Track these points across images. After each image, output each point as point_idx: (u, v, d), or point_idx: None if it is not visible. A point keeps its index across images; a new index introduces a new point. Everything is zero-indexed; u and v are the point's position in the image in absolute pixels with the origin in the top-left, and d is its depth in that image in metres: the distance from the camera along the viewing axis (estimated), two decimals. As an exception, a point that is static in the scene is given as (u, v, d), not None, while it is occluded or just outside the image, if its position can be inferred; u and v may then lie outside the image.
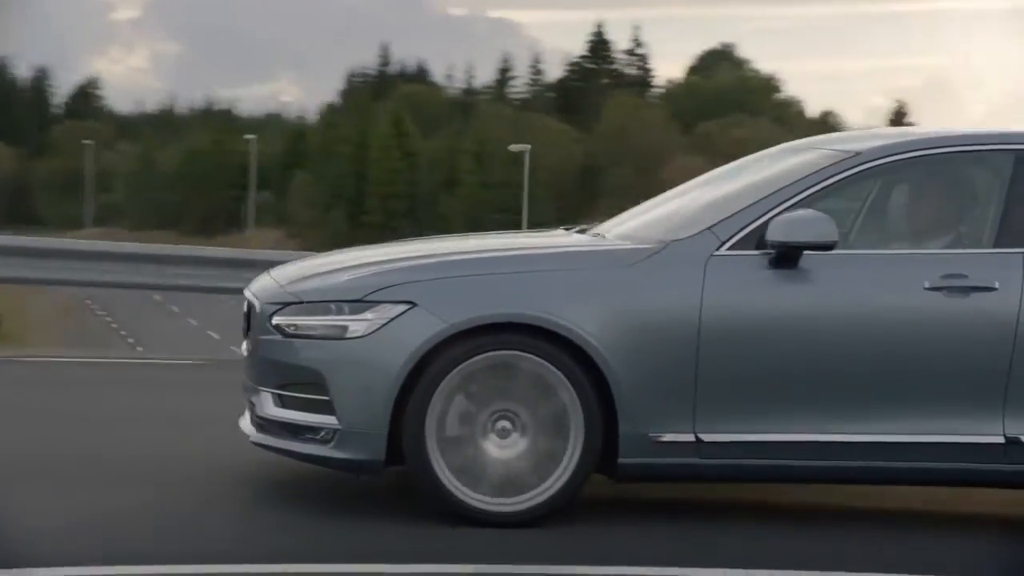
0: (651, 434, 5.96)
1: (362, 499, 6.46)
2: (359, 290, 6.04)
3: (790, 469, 6.14)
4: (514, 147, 56.08)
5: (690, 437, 5.99)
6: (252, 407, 6.46)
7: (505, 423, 5.97)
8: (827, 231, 5.98)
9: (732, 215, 6.20)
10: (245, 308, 6.65)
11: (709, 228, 6.17)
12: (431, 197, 76.22)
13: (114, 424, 8.26)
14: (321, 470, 6.35)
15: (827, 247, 6.01)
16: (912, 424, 6.06)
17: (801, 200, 6.17)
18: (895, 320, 6.09)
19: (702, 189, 7.17)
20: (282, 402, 6.16)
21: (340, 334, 5.98)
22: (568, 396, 5.93)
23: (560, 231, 7.45)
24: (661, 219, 6.88)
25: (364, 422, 5.91)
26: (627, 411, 5.92)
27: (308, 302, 6.13)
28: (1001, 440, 6.10)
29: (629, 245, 6.31)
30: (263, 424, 6.27)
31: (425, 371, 5.87)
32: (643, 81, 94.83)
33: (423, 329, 5.88)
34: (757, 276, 6.06)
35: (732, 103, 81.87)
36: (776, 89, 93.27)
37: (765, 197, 6.24)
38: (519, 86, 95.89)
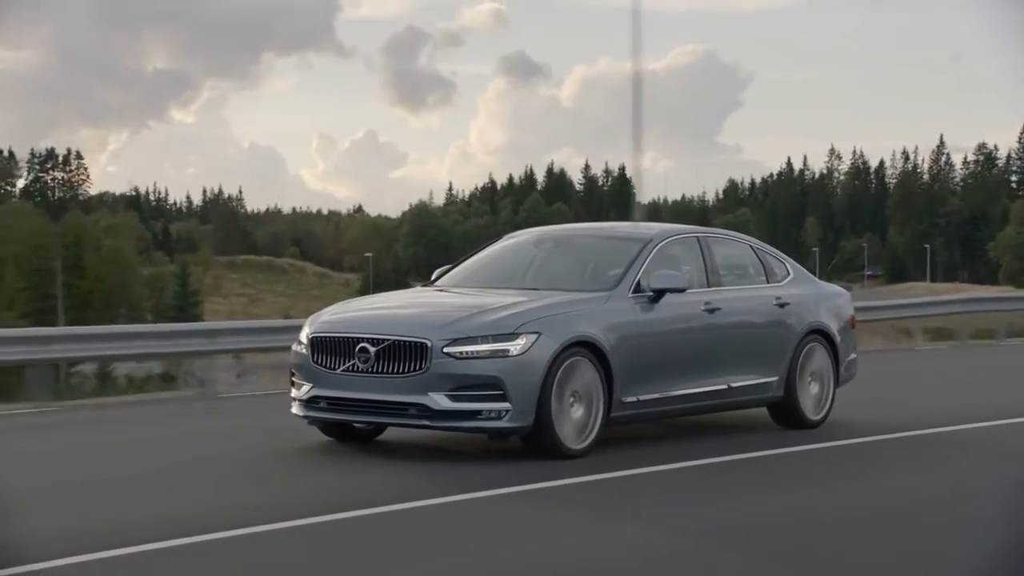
0: (622, 398, 10.77)
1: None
2: (510, 327, 10.12)
3: (679, 410, 11.42)
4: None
5: (634, 398, 10.89)
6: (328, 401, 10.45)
7: (572, 398, 10.39)
8: (682, 281, 11.24)
9: (625, 273, 11.14)
10: (331, 343, 10.39)
11: (620, 281, 11.06)
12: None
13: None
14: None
15: (682, 290, 11.26)
16: (709, 379, 11.53)
17: (646, 266, 11.29)
18: (697, 326, 11.53)
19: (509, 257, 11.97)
20: (456, 399, 9.95)
21: (505, 354, 10.01)
22: (594, 380, 10.53)
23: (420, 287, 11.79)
24: (496, 273, 11.63)
25: (526, 404, 10.04)
26: (617, 387, 10.68)
27: (472, 337, 10.00)
28: (725, 386, 11.79)
29: (597, 292, 10.93)
30: (434, 414, 9.97)
31: (550, 371, 10.15)
32: None
33: (550, 347, 10.18)
34: (647, 307, 11.11)
35: None
36: None
37: (632, 264, 11.24)
38: None
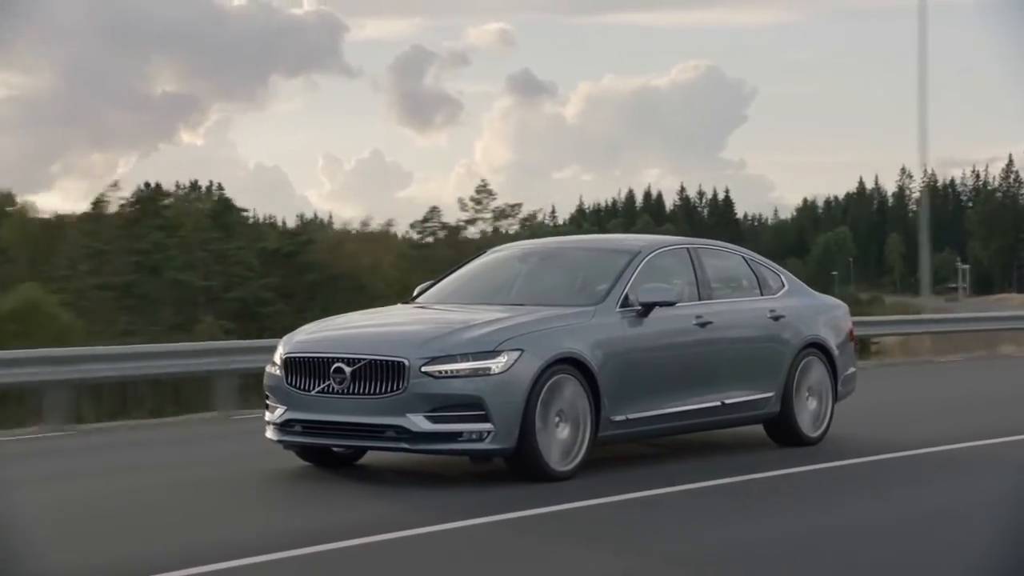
0: (611, 417, 10.31)
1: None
2: (491, 344, 9.66)
3: (670, 429, 10.99)
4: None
5: (623, 417, 10.43)
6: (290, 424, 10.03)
7: (557, 417, 9.93)
8: (672, 295, 10.78)
9: (612, 287, 10.70)
10: (305, 363, 9.94)
11: (607, 295, 10.62)
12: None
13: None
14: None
15: (672, 304, 10.81)
16: (702, 396, 11.08)
17: (634, 279, 10.85)
18: (688, 341, 11.07)
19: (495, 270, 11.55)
20: (435, 420, 9.49)
21: (487, 372, 9.56)
22: (581, 399, 10.07)
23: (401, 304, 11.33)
24: (480, 289, 11.20)
25: (508, 424, 9.59)
26: (605, 405, 10.22)
27: (451, 355, 9.55)
28: (718, 403, 11.33)
29: (583, 306, 10.49)
30: (413, 436, 9.51)
31: (534, 389, 9.69)
32: None
33: (533, 364, 9.73)
34: (635, 321, 10.66)
35: None
36: None
37: (619, 278, 10.80)
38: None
